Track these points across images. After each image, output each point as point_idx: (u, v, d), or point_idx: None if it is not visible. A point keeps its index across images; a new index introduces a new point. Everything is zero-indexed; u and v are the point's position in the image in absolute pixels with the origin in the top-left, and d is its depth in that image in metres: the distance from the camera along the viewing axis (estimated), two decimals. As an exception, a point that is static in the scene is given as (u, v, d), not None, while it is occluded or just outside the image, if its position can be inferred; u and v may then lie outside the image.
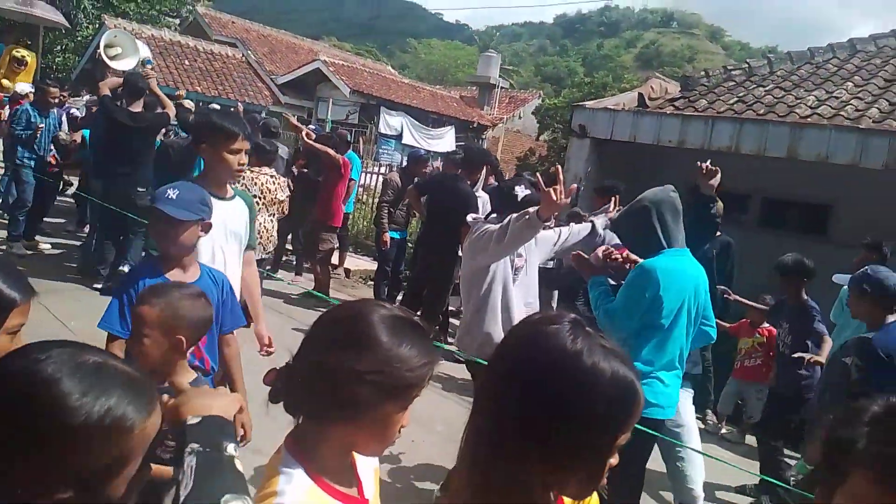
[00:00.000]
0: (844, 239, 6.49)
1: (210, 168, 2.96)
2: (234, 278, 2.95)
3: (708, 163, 3.54)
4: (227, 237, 2.96)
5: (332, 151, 7.39)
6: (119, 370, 0.94)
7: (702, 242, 3.72)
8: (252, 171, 5.83)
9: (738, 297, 5.59)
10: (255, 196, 5.62)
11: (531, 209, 3.15)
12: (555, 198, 2.98)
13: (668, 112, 7.88)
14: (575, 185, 3.55)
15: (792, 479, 4.32)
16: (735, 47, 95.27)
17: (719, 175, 3.52)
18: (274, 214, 6.11)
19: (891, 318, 3.39)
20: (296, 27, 35.39)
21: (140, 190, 6.18)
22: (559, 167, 3.19)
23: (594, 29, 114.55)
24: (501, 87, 25.44)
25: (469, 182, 5.94)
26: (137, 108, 6.33)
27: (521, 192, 3.54)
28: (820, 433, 1.12)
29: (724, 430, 5.67)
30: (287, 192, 6.29)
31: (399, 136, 18.56)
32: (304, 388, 1.15)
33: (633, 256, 3.26)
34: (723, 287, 5.50)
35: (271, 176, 6.08)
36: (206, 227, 2.54)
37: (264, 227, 5.85)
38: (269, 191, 5.97)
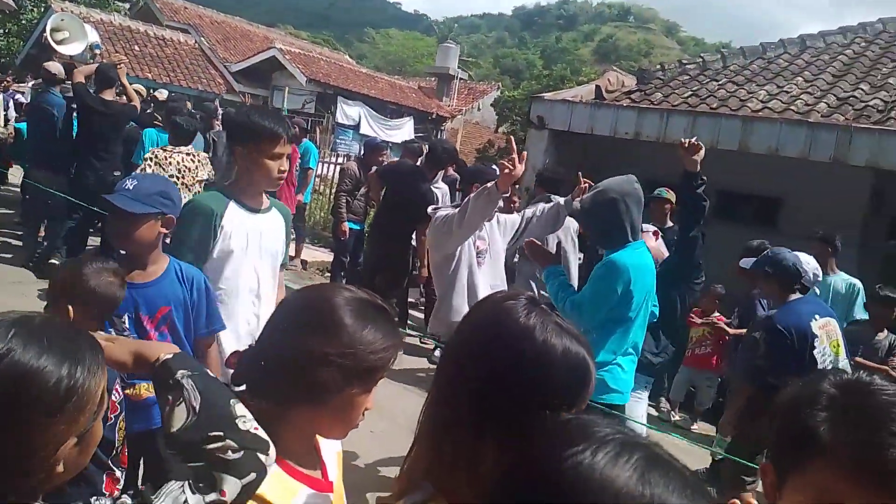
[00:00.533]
0: (795, 231, 6.65)
1: (245, 174, 2.56)
2: (269, 302, 2.62)
3: (694, 139, 3.48)
4: (262, 255, 2.62)
5: None
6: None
7: (695, 224, 3.68)
8: (165, 151, 5.60)
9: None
10: (171, 176, 5.36)
11: (489, 183, 3.20)
12: (511, 168, 3.01)
13: (624, 105, 7.97)
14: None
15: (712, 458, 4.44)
16: (690, 42, 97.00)
17: (703, 150, 3.46)
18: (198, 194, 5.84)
19: (792, 297, 3.55)
20: (250, 15, 34.72)
21: (115, 174, 6.24)
22: (511, 137, 3.23)
23: (552, 22, 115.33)
24: (460, 79, 25.39)
25: (429, 177, 5.88)
26: (109, 96, 6.43)
27: None
28: (767, 421, 1.13)
29: (676, 418, 5.79)
30: (209, 168, 5.87)
31: (357, 126, 18.37)
32: (267, 371, 1.14)
33: None
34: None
35: (187, 154, 5.72)
36: (169, 224, 2.34)
37: None
38: (189, 170, 5.62)
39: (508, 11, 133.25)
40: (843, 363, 3.53)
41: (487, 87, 27.79)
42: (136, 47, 16.91)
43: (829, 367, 3.31)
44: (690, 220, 3.74)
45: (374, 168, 6.92)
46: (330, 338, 1.10)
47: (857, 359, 4.47)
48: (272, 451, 1.10)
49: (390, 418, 3.93)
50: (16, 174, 9.13)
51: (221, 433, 1.05)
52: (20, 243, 7.28)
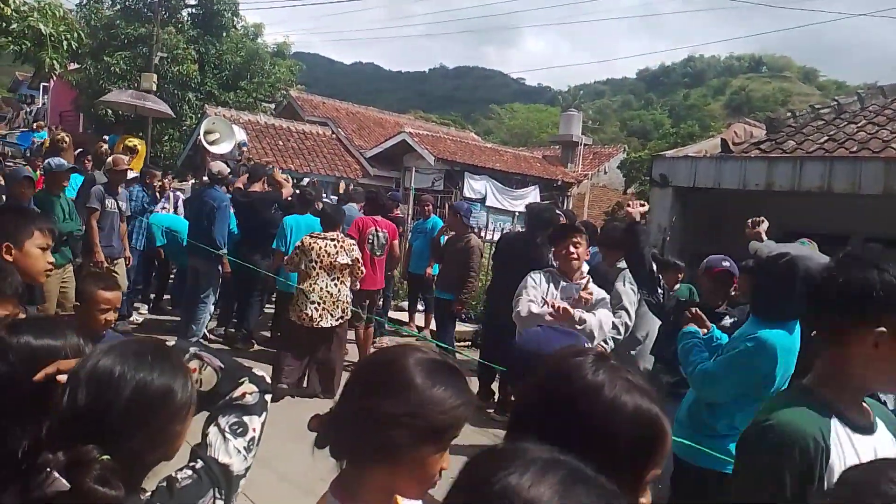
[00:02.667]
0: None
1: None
2: None
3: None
4: None
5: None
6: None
7: None
8: (313, 237, 6.01)
9: None
10: (311, 260, 5.88)
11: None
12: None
13: (752, 155, 7.68)
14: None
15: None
16: (831, 87, 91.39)
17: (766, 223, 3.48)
18: (338, 279, 6.01)
19: None
20: (383, 104, 37.04)
21: (255, 257, 7.16)
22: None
23: (678, 80, 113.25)
24: (585, 144, 25.47)
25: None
26: (257, 188, 7.57)
27: None
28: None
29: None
30: (354, 254, 6.10)
31: (483, 199, 18.83)
32: (344, 432, 1.20)
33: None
34: None
35: (332, 239, 6.00)
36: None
37: (327, 291, 5.91)
38: (328, 254, 5.91)
39: (632, 75, 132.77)
40: None
41: (613, 149, 27.63)
42: (280, 142, 18.49)
43: None
44: None
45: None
46: (399, 398, 1.14)
47: None
48: (269, 388, 1.38)
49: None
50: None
51: (245, 378, 1.36)
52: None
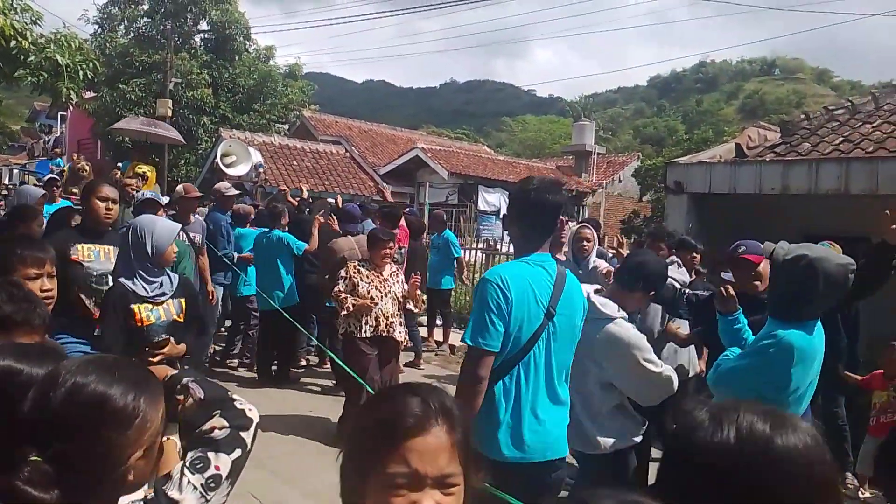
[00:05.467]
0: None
1: None
2: None
3: None
4: None
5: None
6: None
7: (869, 294, 3.57)
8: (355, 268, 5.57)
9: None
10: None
11: None
12: None
13: (767, 160, 7.63)
14: None
15: None
16: (845, 87, 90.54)
17: None
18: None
19: None
20: (394, 121, 37.24)
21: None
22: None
23: (691, 86, 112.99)
24: (598, 153, 25.43)
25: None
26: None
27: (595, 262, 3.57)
28: None
29: (866, 494, 5.15)
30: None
31: (497, 212, 18.84)
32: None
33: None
34: None
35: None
36: None
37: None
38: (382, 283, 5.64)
39: (644, 82, 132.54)
40: None
41: (626, 158, 27.54)
42: (295, 162, 18.65)
43: None
44: (866, 289, 3.56)
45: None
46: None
47: None
48: (253, 427, 1.35)
49: None
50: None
51: (218, 410, 1.36)
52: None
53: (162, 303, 3.27)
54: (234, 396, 1.42)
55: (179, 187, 6.91)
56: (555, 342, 2.60)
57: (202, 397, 1.38)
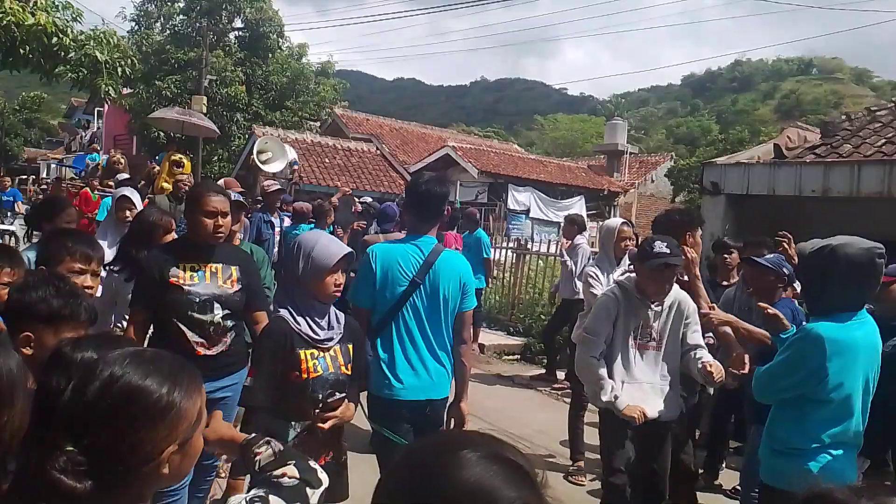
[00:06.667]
0: None
1: None
2: None
3: None
4: None
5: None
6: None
7: None
8: None
9: None
10: None
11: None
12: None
13: (807, 161, 7.45)
14: None
15: None
16: (885, 88, 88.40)
17: None
18: None
19: None
20: (425, 119, 37.30)
21: None
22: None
23: (726, 86, 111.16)
24: (630, 153, 25.17)
25: None
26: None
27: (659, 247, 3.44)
28: None
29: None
30: None
31: (527, 211, 18.75)
32: None
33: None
34: None
35: None
36: None
37: None
38: None
39: (677, 81, 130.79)
40: None
41: (659, 158, 27.24)
42: (326, 159, 18.77)
43: None
44: None
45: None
46: None
47: None
48: (320, 491, 1.33)
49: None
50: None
51: (293, 462, 1.38)
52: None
53: (329, 348, 2.59)
54: (311, 460, 1.45)
55: (265, 183, 6.89)
56: (423, 306, 3.11)
57: (281, 449, 1.41)
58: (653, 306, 3.50)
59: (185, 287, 3.02)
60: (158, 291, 3.02)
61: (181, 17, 23.48)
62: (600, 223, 5.85)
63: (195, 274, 3.07)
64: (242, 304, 3.19)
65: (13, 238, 11.25)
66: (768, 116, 74.70)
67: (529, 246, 11.99)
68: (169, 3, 23.73)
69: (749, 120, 62.00)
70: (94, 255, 2.67)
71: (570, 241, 7.79)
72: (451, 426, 3.21)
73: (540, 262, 10.90)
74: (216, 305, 3.06)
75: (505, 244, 12.47)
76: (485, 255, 9.12)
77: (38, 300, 1.87)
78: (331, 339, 2.58)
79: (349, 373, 2.64)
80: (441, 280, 3.12)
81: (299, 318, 2.55)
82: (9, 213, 13.90)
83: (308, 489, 1.35)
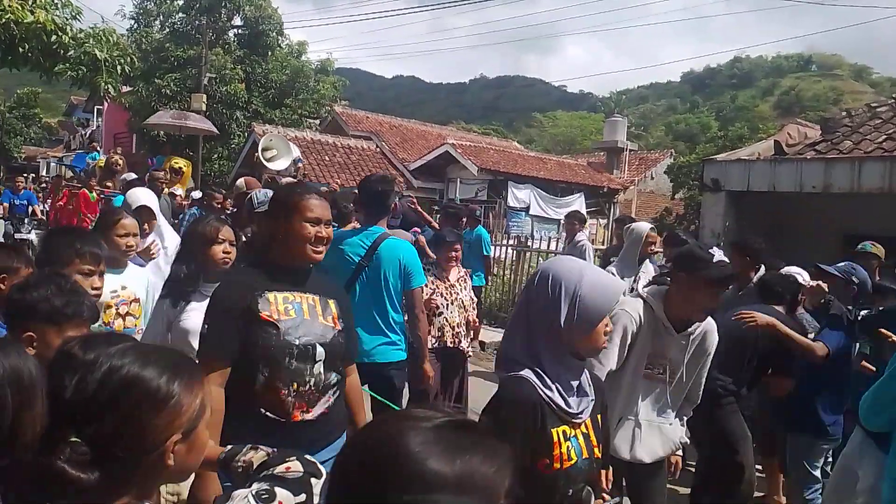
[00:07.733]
0: None
1: None
2: None
3: None
4: None
5: None
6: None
7: None
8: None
9: None
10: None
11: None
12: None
13: (808, 157, 7.45)
14: None
15: None
16: (884, 84, 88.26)
17: None
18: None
19: None
20: (424, 116, 37.28)
21: None
22: None
23: (725, 82, 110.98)
24: (630, 150, 25.16)
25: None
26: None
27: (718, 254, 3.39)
28: None
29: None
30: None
31: (527, 208, 18.73)
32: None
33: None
34: None
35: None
36: None
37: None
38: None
39: (676, 78, 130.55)
40: None
41: (659, 154, 27.24)
42: (326, 157, 18.74)
43: None
44: None
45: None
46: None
47: None
48: (323, 480, 1.35)
49: None
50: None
51: (294, 457, 1.41)
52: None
53: (580, 423, 1.86)
54: (307, 456, 1.48)
55: (241, 181, 6.87)
56: (368, 285, 3.68)
57: (275, 450, 1.43)
58: (678, 336, 2.91)
59: (280, 325, 2.18)
60: (241, 330, 2.17)
61: (180, 14, 23.41)
62: (628, 226, 5.56)
63: (290, 306, 2.23)
64: (343, 353, 2.37)
65: (30, 249, 9.82)
66: (768, 113, 74.64)
67: (530, 243, 11.99)
68: (168, 1, 23.67)
69: (749, 116, 61.91)
70: (102, 255, 2.66)
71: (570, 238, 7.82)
72: (417, 384, 3.90)
73: (540, 259, 10.90)
74: (319, 351, 2.22)
75: (505, 242, 12.47)
76: (485, 253, 9.12)
77: (39, 299, 1.85)
78: (584, 412, 1.86)
79: (601, 457, 1.92)
80: (383, 263, 3.67)
81: (549, 383, 1.79)
82: (25, 220, 12.08)
83: (313, 479, 1.39)
